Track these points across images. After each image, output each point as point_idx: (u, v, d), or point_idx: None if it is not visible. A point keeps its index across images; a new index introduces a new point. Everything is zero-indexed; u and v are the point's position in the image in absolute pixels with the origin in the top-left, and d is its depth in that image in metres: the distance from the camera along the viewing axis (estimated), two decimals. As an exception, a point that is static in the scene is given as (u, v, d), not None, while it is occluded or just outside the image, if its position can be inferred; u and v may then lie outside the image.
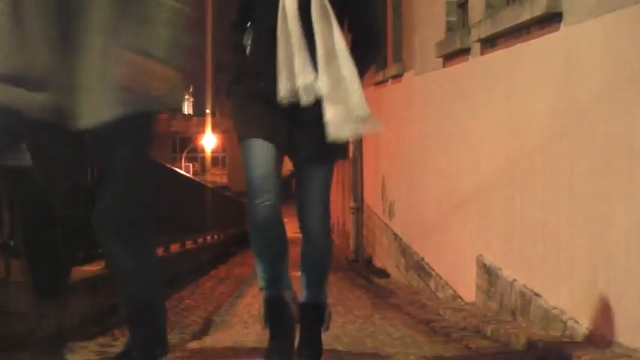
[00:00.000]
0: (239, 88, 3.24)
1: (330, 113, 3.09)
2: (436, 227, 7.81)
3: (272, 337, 3.25)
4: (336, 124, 3.10)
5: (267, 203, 3.14)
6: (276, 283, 3.25)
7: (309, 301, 3.37)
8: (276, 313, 3.24)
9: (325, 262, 3.40)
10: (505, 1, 6.06)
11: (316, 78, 3.10)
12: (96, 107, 2.68)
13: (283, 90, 3.09)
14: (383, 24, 10.43)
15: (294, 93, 3.09)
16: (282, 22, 3.10)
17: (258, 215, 3.16)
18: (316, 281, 3.39)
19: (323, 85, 3.09)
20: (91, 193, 6.09)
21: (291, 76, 3.08)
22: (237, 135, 3.26)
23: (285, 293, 3.26)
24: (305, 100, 3.08)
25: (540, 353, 4.29)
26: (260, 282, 3.28)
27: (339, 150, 3.25)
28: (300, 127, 3.16)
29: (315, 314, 3.36)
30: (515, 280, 5.43)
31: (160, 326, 3.06)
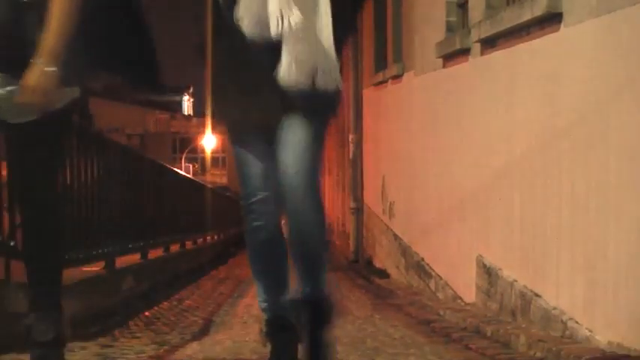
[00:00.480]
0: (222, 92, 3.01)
1: (288, 55, 2.75)
2: (436, 227, 7.81)
3: (273, 355, 3.09)
4: (292, 67, 2.75)
5: (265, 226, 3.00)
6: (278, 305, 3.09)
7: (307, 296, 3.01)
8: (277, 333, 3.08)
9: (316, 246, 2.99)
10: (505, 1, 6.06)
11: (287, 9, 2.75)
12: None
13: (251, 23, 2.77)
14: None
15: (264, 27, 2.76)
16: None
17: (257, 239, 3.04)
18: (310, 270, 3.02)
19: (289, 21, 2.75)
20: (92, 194, 6.11)
21: (263, 5, 2.76)
22: (228, 137, 3.08)
23: (288, 314, 3.05)
24: (275, 30, 2.75)
25: (540, 353, 4.29)
26: (260, 302, 3.13)
27: (324, 102, 2.90)
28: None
29: (316, 310, 3.02)
30: (516, 280, 5.43)
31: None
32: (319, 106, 2.91)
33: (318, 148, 2.96)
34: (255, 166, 3.01)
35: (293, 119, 2.87)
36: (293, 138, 2.88)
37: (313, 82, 2.79)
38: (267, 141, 2.96)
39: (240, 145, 3.04)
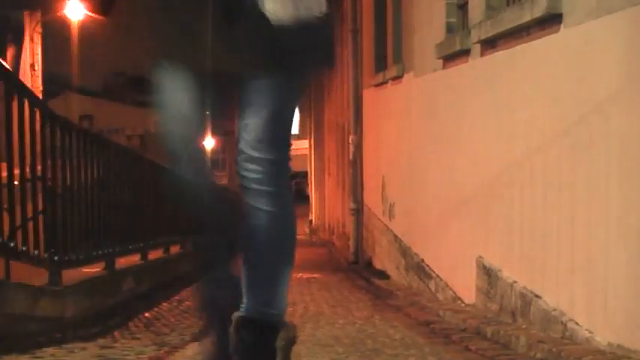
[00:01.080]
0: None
1: None
2: (436, 228, 7.81)
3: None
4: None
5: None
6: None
7: (250, 313, 2.32)
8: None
9: (274, 243, 2.33)
10: (505, 2, 6.07)
11: None
12: None
13: None
14: None
15: None
16: None
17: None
18: (260, 278, 2.34)
19: None
20: (92, 195, 6.11)
21: None
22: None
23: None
24: None
25: (540, 354, 4.28)
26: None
27: (311, 49, 2.27)
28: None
29: (260, 335, 2.31)
30: (516, 281, 5.42)
31: None
32: (307, 51, 2.30)
33: (291, 111, 2.42)
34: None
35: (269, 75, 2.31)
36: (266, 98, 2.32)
37: (298, 16, 2.19)
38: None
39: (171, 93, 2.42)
